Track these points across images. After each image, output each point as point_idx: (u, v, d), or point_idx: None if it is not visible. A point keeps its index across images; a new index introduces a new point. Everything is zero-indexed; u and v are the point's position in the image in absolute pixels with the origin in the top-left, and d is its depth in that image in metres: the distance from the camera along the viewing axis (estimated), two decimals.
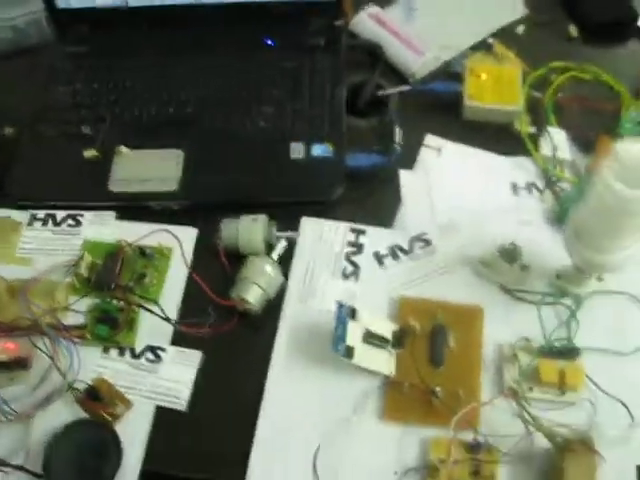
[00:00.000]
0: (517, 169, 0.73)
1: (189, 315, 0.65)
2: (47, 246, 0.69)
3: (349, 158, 0.72)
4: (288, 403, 0.61)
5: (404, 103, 0.77)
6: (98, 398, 0.60)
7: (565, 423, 0.57)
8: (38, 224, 0.71)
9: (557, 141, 0.72)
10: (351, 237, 0.69)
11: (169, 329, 0.64)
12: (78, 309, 0.65)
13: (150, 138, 0.74)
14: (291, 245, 0.68)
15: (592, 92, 0.77)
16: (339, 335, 0.60)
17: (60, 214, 0.71)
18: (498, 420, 0.59)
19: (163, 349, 0.64)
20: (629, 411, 0.59)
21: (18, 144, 0.75)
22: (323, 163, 0.71)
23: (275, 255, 0.67)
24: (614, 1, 0.85)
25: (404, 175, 0.73)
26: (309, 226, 0.70)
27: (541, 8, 0.84)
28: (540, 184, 0.71)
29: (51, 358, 0.61)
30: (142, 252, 0.67)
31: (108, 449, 0.58)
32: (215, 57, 0.79)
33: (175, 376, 0.62)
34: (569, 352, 0.61)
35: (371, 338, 0.61)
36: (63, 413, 0.60)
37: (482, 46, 0.80)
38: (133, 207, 0.71)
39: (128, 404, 0.61)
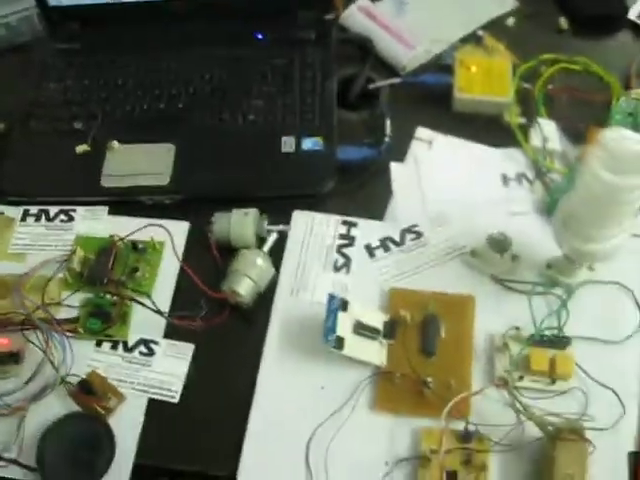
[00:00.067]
0: (507, 160, 0.73)
1: (181, 308, 0.65)
2: (40, 241, 0.70)
3: (340, 151, 0.72)
4: (280, 395, 0.61)
5: (395, 96, 0.77)
6: (91, 391, 0.60)
7: (556, 412, 0.57)
8: (31, 220, 0.71)
9: (547, 132, 0.73)
10: (342, 230, 0.69)
11: (162, 322, 0.65)
12: (71, 304, 0.66)
13: (142, 133, 0.74)
14: (283, 238, 0.68)
15: (582, 83, 0.77)
16: (329, 326, 0.60)
17: (53, 210, 0.71)
18: (489, 409, 0.59)
19: (156, 342, 0.64)
20: (620, 399, 0.59)
21: (10, 140, 0.75)
22: (314, 156, 0.71)
23: (266, 248, 0.67)
24: None
25: (395, 167, 0.73)
26: (300, 219, 0.70)
27: (531, 0, 0.84)
28: (530, 175, 0.72)
29: (44, 352, 0.62)
30: (134, 246, 0.68)
31: (101, 442, 0.59)
32: (205, 52, 0.79)
33: (168, 369, 0.63)
34: (559, 341, 0.61)
35: (362, 329, 0.61)
36: (56, 407, 0.61)
37: (472, 38, 0.80)
38: (125, 202, 0.71)
39: (121, 397, 0.61)
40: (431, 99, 0.76)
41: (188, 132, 0.74)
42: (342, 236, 0.69)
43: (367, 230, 0.69)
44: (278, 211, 0.69)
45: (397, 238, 0.69)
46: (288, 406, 0.61)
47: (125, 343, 0.64)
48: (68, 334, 0.63)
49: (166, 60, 0.79)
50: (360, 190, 0.72)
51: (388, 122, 0.74)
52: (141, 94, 0.77)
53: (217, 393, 0.62)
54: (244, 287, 0.64)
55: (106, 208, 0.71)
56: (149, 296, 0.65)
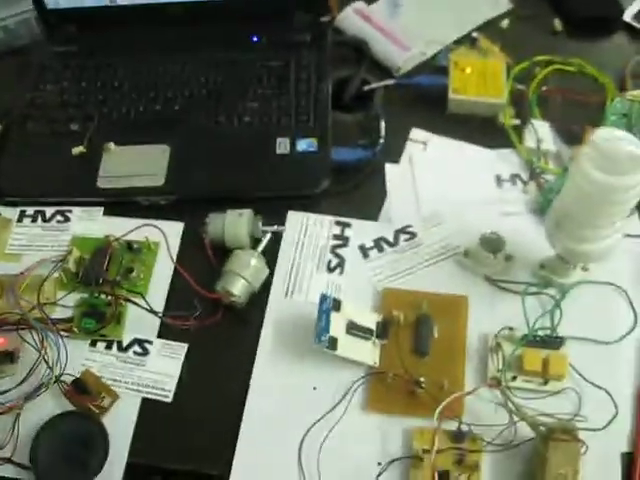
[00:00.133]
0: (501, 161, 0.73)
1: (176, 308, 0.66)
2: (36, 242, 0.70)
3: (335, 152, 0.72)
4: (273, 395, 0.62)
5: (390, 97, 0.78)
6: (85, 391, 0.61)
7: (549, 412, 0.58)
8: (27, 220, 0.71)
9: (541, 133, 0.73)
10: (336, 230, 0.70)
11: (156, 322, 0.65)
12: (66, 304, 0.66)
13: (138, 135, 0.74)
14: (277, 239, 0.69)
15: (577, 85, 0.78)
16: (322, 326, 0.60)
17: (49, 210, 0.72)
18: (482, 410, 0.59)
19: (150, 342, 0.64)
20: (613, 399, 0.59)
21: (7, 141, 0.76)
22: (308, 158, 0.72)
23: (260, 248, 0.67)
24: None
25: (389, 169, 0.73)
26: (295, 220, 0.70)
27: (526, 2, 0.85)
28: (524, 176, 0.72)
29: (39, 352, 0.62)
30: (129, 247, 0.68)
31: (95, 441, 0.59)
32: (201, 54, 0.80)
33: (161, 369, 0.63)
34: (553, 341, 0.62)
35: (355, 329, 0.62)
36: (50, 406, 0.61)
37: (467, 40, 0.80)
38: (121, 202, 0.71)
39: (115, 396, 0.61)
40: (426, 100, 0.77)
41: (184, 134, 0.74)
42: (336, 237, 0.69)
43: (361, 231, 0.69)
44: (273, 212, 0.69)
45: (391, 239, 0.69)
46: (281, 406, 0.61)
47: (119, 343, 0.64)
48: (63, 334, 0.63)
49: (162, 62, 0.80)
50: (354, 191, 0.72)
51: (383, 123, 0.74)
52: (137, 96, 0.77)
53: (210, 393, 0.62)
54: (238, 287, 0.64)
55: (102, 209, 0.71)
56: (143, 296, 0.66)
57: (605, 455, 0.58)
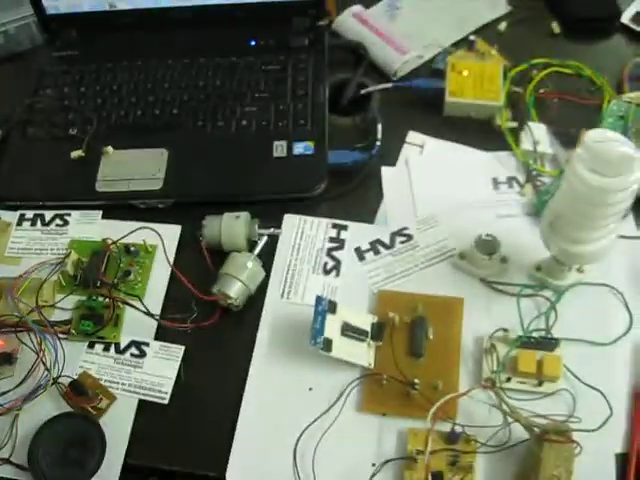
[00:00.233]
0: (498, 164, 0.73)
1: (172, 311, 0.66)
2: (36, 245, 0.71)
3: (332, 155, 0.73)
4: (269, 397, 0.62)
5: (387, 100, 0.78)
6: (82, 392, 0.61)
7: (543, 413, 0.58)
8: (27, 224, 0.72)
9: (537, 135, 0.73)
10: (332, 233, 0.70)
11: (153, 324, 0.66)
12: (64, 306, 0.67)
13: (136, 138, 0.75)
14: (274, 241, 0.69)
15: (574, 87, 0.78)
16: (317, 328, 0.61)
17: (48, 214, 0.72)
18: (476, 411, 0.60)
19: (147, 344, 0.65)
20: (607, 401, 0.59)
21: (7, 146, 0.76)
22: (305, 161, 0.72)
23: (257, 251, 0.67)
24: None
25: (386, 171, 0.73)
26: (291, 222, 0.70)
27: (523, 5, 0.85)
28: (521, 178, 0.72)
29: (37, 354, 0.62)
30: (127, 250, 0.69)
31: (92, 442, 0.59)
32: (200, 58, 0.80)
33: (158, 370, 0.63)
34: (547, 343, 0.62)
35: (350, 331, 0.62)
36: (48, 407, 0.61)
37: (464, 43, 0.80)
38: (119, 206, 0.72)
39: (112, 398, 0.62)
40: (423, 103, 0.77)
41: (182, 137, 0.75)
42: (332, 239, 0.69)
43: (357, 233, 0.70)
44: (269, 214, 0.70)
45: (387, 241, 0.69)
46: (277, 407, 0.61)
47: (117, 345, 0.65)
48: (61, 336, 0.64)
49: (161, 67, 0.80)
50: (351, 194, 0.72)
51: (379, 126, 0.74)
52: (136, 100, 0.78)
53: (207, 395, 0.63)
54: (234, 290, 0.65)
55: (100, 212, 0.72)
56: (141, 299, 0.66)
57: (599, 456, 0.58)
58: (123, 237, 0.69)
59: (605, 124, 0.74)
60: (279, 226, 0.70)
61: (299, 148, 0.73)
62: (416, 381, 0.60)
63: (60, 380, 0.62)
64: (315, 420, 0.60)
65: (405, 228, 0.70)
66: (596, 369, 0.61)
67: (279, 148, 0.73)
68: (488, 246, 0.66)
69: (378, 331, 0.63)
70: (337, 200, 0.72)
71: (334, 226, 0.70)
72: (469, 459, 0.57)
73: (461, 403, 0.59)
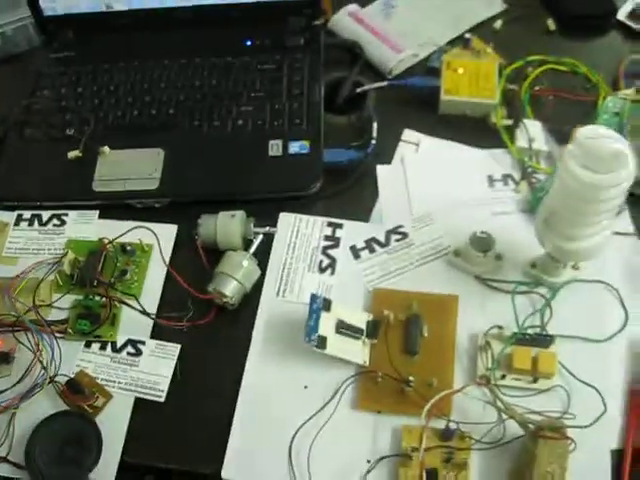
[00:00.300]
0: (493, 161, 0.73)
1: (169, 309, 0.66)
2: (33, 245, 0.71)
3: (327, 154, 0.73)
4: (264, 394, 0.62)
5: (382, 99, 0.78)
6: (79, 391, 0.61)
7: (538, 410, 0.58)
8: (24, 224, 0.73)
9: (533, 133, 0.73)
10: (328, 231, 0.70)
11: (149, 323, 0.66)
12: (61, 305, 0.67)
13: (132, 138, 0.75)
14: (269, 240, 0.69)
15: (569, 84, 0.78)
16: (312, 326, 0.61)
17: (46, 214, 0.73)
18: (471, 408, 0.60)
19: (143, 343, 0.65)
20: (602, 397, 0.59)
21: (4, 147, 0.77)
22: (300, 160, 0.72)
23: (252, 250, 0.68)
24: None
25: (381, 169, 0.74)
26: (287, 221, 0.71)
27: (519, 2, 0.85)
28: (516, 176, 0.72)
29: (34, 353, 0.63)
30: (123, 249, 0.69)
31: (88, 440, 0.60)
32: (196, 58, 0.81)
33: (154, 369, 0.64)
34: (542, 339, 0.61)
35: (345, 328, 0.62)
36: (45, 405, 0.62)
37: (460, 41, 0.81)
38: (116, 205, 0.72)
39: (108, 396, 0.62)
40: (418, 102, 0.77)
41: (178, 137, 0.75)
42: (327, 237, 0.70)
43: (352, 231, 0.70)
44: (264, 213, 0.70)
45: (382, 239, 0.69)
46: (272, 405, 0.62)
47: (113, 344, 0.65)
48: (58, 335, 0.64)
49: (157, 67, 0.81)
50: (346, 192, 0.72)
51: (375, 125, 0.75)
52: (132, 100, 0.78)
53: (203, 393, 0.63)
54: (230, 288, 0.65)
55: (97, 212, 0.72)
56: (137, 298, 0.67)
57: (595, 452, 0.58)
58: (119, 236, 0.69)
59: (600, 121, 0.74)
60: (275, 225, 0.70)
61: (295, 147, 0.73)
62: (411, 378, 0.60)
63: (57, 379, 0.62)
64: (310, 418, 0.60)
65: (400, 226, 0.70)
66: (591, 366, 0.61)
67: (275, 147, 0.73)
68: (483, 243, 0.66)
69: (373, 329, 0.63)
70: (332, 198, 0.72)
71: (329, 224, 0.70)
72: (464, 456, 0.57)
73: (456, 400, 0.59)
